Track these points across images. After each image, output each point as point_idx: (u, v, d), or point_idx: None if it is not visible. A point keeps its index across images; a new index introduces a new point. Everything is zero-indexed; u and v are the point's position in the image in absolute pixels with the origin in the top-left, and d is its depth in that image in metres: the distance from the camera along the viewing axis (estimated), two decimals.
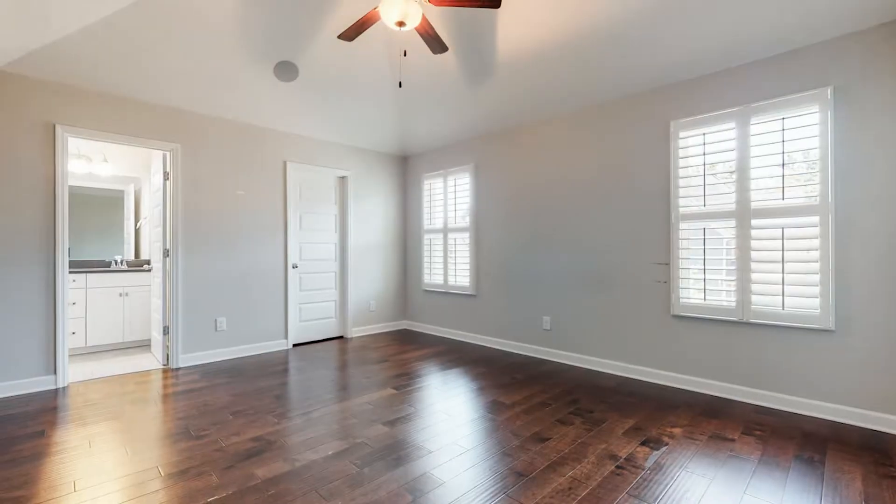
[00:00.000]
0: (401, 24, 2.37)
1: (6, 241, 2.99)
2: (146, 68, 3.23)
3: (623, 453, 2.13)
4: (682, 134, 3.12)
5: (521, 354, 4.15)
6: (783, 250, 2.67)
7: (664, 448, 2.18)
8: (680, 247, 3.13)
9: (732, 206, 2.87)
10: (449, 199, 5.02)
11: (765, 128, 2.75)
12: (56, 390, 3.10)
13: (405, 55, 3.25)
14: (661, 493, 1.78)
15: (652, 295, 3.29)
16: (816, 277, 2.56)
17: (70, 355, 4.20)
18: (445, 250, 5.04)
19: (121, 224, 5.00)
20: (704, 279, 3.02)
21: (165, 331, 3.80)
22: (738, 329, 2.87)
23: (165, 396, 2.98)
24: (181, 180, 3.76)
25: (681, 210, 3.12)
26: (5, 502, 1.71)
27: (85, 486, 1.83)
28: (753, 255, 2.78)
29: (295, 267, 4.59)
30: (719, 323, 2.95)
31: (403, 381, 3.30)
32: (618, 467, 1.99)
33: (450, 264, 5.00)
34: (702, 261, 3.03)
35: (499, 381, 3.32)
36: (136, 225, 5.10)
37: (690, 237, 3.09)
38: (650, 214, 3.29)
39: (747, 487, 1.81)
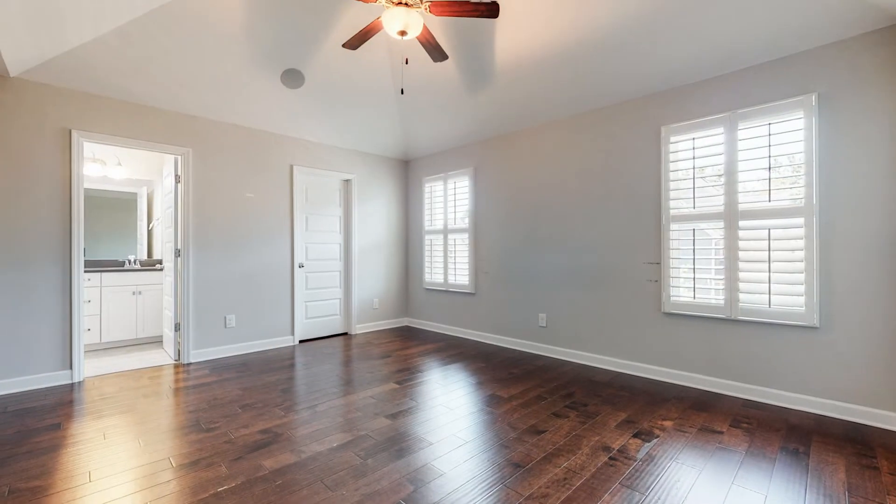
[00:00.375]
0: (403, 33, 2.38)
1: (25, 242, 2.99)
2: (158, 76, 3.23)
3: (616, 445, 2.13)
4: (672, 138, 3.12)
5: (518, 350, 4.15)
6: (769, 250, 2.67)
7: (655, 440, 2.18)
8: (670, 247, 3.13)
9: (721, 208, 2.87)
10: (449, 201, 5.02)
11: (752, 133, 2.75)
12: (72, 384, 3.11)
13: (407, 63, 3.26)
14: (652, 483, 1.78)
15: (644, 293, 3.29)
16: (801, 276, 2.56)
17: (85, 351, 4.20)
18: (445, 250, 5.04)
19: (134, 225, 5.00)
20: (694, 278, 3.02)
21: (177, 327, 3.80)
22: (726, 326, 2.87)
23: (177, 390, 2.99)
24: (192, 183, 3.76)
25: (671, 212, 3.12)
26: (24, 492, 1.71)
27: (99, 477, 1.83)
28: (741, 254, 2.78)
29: (301, 266, 4.59)
30: (708, 320, 2.95)
31: (405, 376, 3.31)
32: (611, 458, 1.99)
33: (450, 264, 5.00)
34: (691, 260, 3.03)
35: (497, 375, 3.32)
36: (148, 226, 5.11)
37: (680, 238, 3.09)
38: (642, 216, 3.29)
39: (735, 478, 1.82)
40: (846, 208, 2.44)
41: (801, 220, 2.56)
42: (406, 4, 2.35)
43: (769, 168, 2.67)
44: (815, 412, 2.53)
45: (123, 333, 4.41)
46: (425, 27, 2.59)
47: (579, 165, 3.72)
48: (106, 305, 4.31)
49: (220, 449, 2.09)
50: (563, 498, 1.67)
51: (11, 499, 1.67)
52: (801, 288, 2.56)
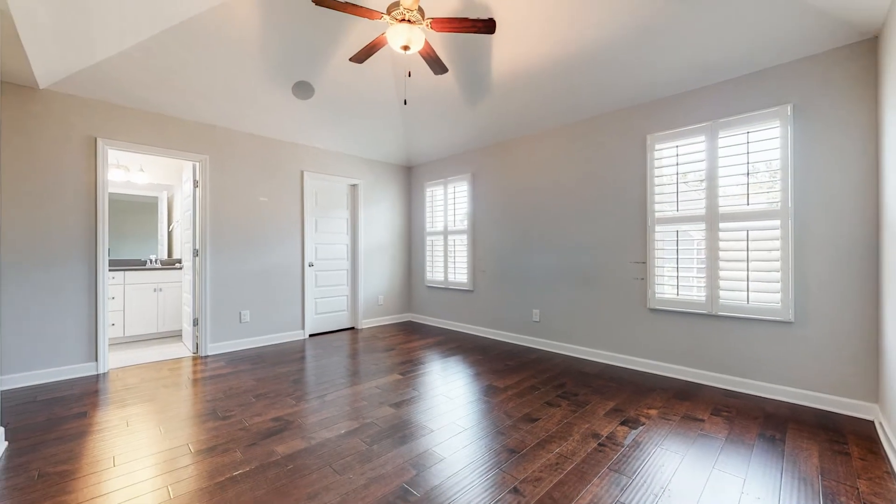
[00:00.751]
0: (406, 48, 2.38)
1: (55, 243, 2.99)
2: (178, 87, 3.23)
3: (605, 432, 2.13)
4: (657, 146, 3.12)
5: (513, 343, 4.15)
6: (748, 250, 2.67)
7: (641, 427, 2.18)
8: (655, 247, 3.13)
9: (702, 211, 2.87)
10: (449, 204, 5.02)
11: (731, 141, 2.75)
12: (97, 376, 3.10)
13: (410, 76, 3.26)
14: (638, 467, 1.78)
15: (630, 290, 3.29)
16: (777, 275, 2.56)
17: (110, 344, 4.20)
18: (446, 250, 5.04)
19: (155, 227, 5.00)
20: (677, 276, 3.02)
21: (195, 322, 3.80)
22: (707, 321, 2.87)
23: (195, 381, 2.99)
24: (209, 188, 3.76)
25: (656, 214, 3.12)
26: (52, 476, 1.72)
27: (123, 462, 1.83)
28: (721, 254, 2.78)
29: (311, 265, 4.59)
30: (691, 315, 2.95)
31: (408, 368, 3.31)
32: (600, 445, 1.99)
33: (449, 263, 5.00)
34: (675, 260, 3.03)
35: (493, 367, 3.32)
36: (168, 227, 5.10)
37: (665, 238, 3.09)
38: (629, 218, 3.29)
39: (716, 462, 1.82)
40: (819, 212, 2.44)
41: (777, 223, 2.56)
42: (409, 21, 2.35)
43: (748, 174, 2.67)
44: (790, 401, 2.53)
45: (145, 328, 4.41)
46: (427, 42, 2.59)
47: (571, 171, 3.71)
48: (129, 302, 4.31)
49: (236, 436, 2.09)
50: (555, 481, 1.67)
51: (41, 482, 1.67)
52: (777, 285, 2.56)
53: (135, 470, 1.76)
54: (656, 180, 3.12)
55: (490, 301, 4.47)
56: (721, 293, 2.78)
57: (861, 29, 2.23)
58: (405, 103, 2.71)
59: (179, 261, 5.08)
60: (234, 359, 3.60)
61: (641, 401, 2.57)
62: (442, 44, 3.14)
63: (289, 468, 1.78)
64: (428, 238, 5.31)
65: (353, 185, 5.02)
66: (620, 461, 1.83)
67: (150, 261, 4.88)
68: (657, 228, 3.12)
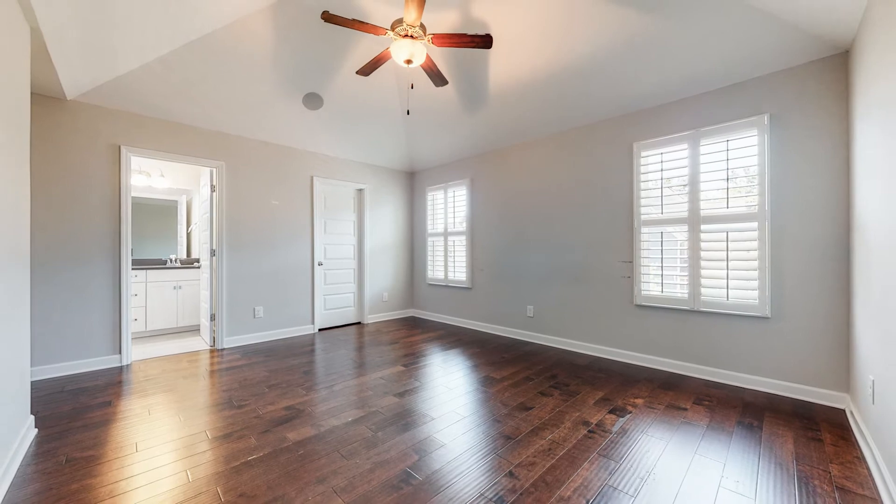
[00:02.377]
0: (409, 62, 2.38)
1: (82, 244, 2.99)
2: (196, 98, 3.23)
3: (594, 420, 2.13)
4: (643, 153, 3.12)
5: (508, 337, 4.15)
6: (727, 251, 2.67)
7: (628, 416, 2.18)
8: (641, 247, 3.13)
9: (685, 214, 2.87)
10: (449, 207, 5.02)
11: (712, 148, 2.75)
12: (121, 367, 3.11)
13: (412, 88, 3.26)
14: (625, 453, 1.78)
15: (618, 288, 3.29)
16: (755, 273, 2.56)
17: (132, 338, 4.20)
18: (446, 250, 5.03)
19: (175, 228, 5.00)
20: (662, 274, 3.02)
21: (212, 317, 3.80)
22: (690, 316, 2.87)
23: (212, 372, 2.99)
24: (225, 192, 3.76)
25: (642, 217, 3.12)
26: (79, 461, 1.72)
27: (145, 447, 1.83)
28: (703, 254, 2.78)
29: (320, 264, 4.59)
30: (674, 311, 2.95)
31: (411, 360, 3.31)
32: (590, 432, 1.99)
33: (449, 262, 5.00)
34: (660, 259, 3.03)
35: (490, 359, 3.32)
36: (187, 229, 5.10)
37: (650, 239, 3.09)
38: (617, 220, 3.29)
39: (698, 448, 1.82)
40: (794, 214, 2.44)
41: (755, 224, 2.56)
42: (411, 37, 2.35)
43: (727, 179, 2.67)
44: (767, 391, 2.53)
45: (165, 323, 4.41)
46: (428, 56, 2.59)
47: (563, 176, 3.71)
48: (150, 298, 4.31)
49: (250, 423, 2.10)
50: (548, 466, 1.67)
51: (69, 466, 1.67)
52: (755, 283, 2.56)
53: (156, 455, 1.76)
54: (642, 185, 3.12)
55: (487, 298, 4.47)
56: (703, 290, 2.78)
57: (833, 44, 2.23)
58: (408, 113, 2.71)
59: (197, 260, 5.08)
60: (249, 351, 3.60)
61: (628, 391, 2.57)
62: (442, 58, 3.14)
63: (299, 453, 1.78)
64: (429, 239, 5.31)
65: (360, 190, 5.02)
66: (609, 447, 1.83)
67: (170, 260, 4.88)
68: (643, 230, 3.12)
